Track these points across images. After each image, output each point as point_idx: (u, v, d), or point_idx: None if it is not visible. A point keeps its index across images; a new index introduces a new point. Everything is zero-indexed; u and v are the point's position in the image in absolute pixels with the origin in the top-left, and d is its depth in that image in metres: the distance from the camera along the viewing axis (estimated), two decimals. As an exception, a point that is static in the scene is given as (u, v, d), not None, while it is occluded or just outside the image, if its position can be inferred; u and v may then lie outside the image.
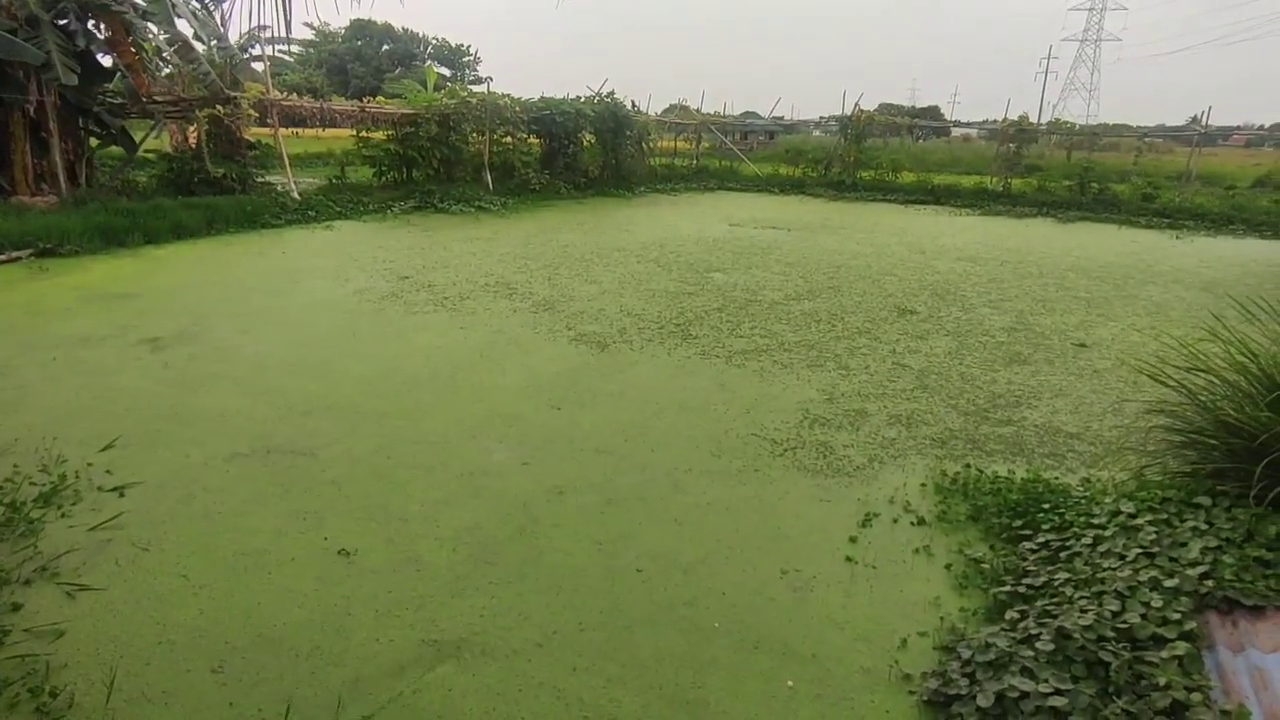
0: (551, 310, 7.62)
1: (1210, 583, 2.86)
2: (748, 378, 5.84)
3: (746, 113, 34.74)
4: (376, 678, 2.55)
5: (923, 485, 4.18)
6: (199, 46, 13.69)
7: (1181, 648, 2.48)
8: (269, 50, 16.86)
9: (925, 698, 2.58)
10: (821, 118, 27.98)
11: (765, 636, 2.88)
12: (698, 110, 26.76)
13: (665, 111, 26.46)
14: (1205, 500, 3.45)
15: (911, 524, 3.76)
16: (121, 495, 3.68)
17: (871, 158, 23.75)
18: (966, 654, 2.69)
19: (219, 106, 12.98)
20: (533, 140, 19.33)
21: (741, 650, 2.80)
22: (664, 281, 9.23)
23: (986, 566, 3.35)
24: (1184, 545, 3.12)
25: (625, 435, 4.67)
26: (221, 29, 14.39)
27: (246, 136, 14.13)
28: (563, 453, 4.39)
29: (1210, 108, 21.84)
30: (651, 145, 23.12)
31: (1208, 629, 2.69)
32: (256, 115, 13.97)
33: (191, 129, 13.51)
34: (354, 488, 3.86)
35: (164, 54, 14.07)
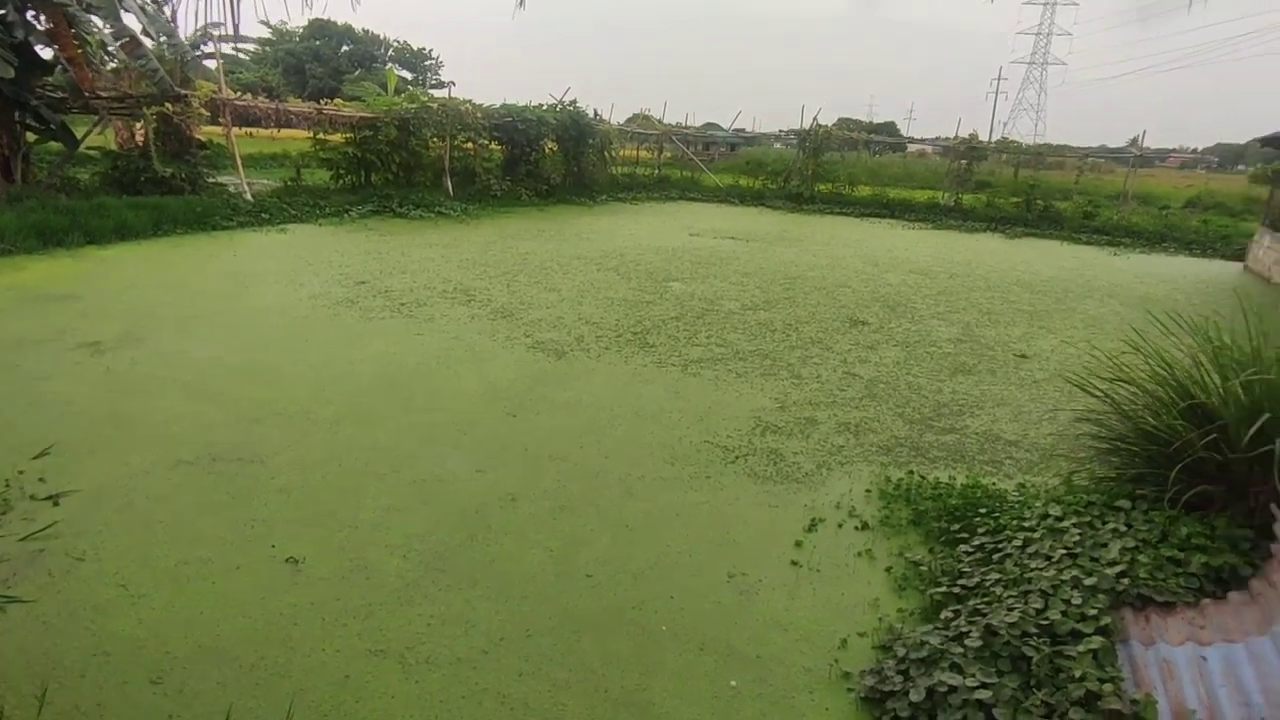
0: (509, 318, 7.62)
1: (1126, 581, 3.04)
2: (702, 386, 5.94)
3: (708, 124, 35.15)
4: (321, 688, 2.55)
5: (868, 491, 4.32)
6: (147, 42, 13.30)
7: (1097, 642, 2.63)
8: (222, 48, 16.50)
9: (862, 695, 2.68)
10: (781, 131, 28.55)
11: (711, 639, 2.95)
12: (660, 120, 27.00)
13: (628, 121, 26.62)
14: (1125, 504, 3.66)
15: (855, 529, 3.89)
16: (56, 504, 3.58)
17: (829, 171, 24.26)
18: (902, 652, 2.81)
19: (168, 104, 12.65)
20: (494, 147, 19.26)
21: (687, 653, 2.87)
22: (623, 290, 9.31)
23: (925, 569, 3.49)
24: (1104, 546, 3.31)
25: (580, 442, 4.71)
26: (171, 25, 14.02)
27: (197, 136, 13.79)
28: (517, 460, 4.42)
29: (1145, 131, 22.96)
30: (614, 154, 23.25)
31: (1123, 624, 2.86)
32: (208, 114, 13.64)
33: (139, 126, 13.13)
34: (303, 495, 3.83)
35: (109, 48, 13.64)
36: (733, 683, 2.72)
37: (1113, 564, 3.15)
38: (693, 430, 5.03)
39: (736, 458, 4.65)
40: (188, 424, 4.59)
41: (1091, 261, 15.16)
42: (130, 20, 12.56)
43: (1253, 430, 3.33)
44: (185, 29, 15.19)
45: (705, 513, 3.95)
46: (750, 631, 3.02)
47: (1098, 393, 4.39)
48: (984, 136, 25.36)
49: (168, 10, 13.78)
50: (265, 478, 3.98)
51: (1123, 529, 3.44)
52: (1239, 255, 16.63)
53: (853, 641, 2.98)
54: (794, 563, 3.53)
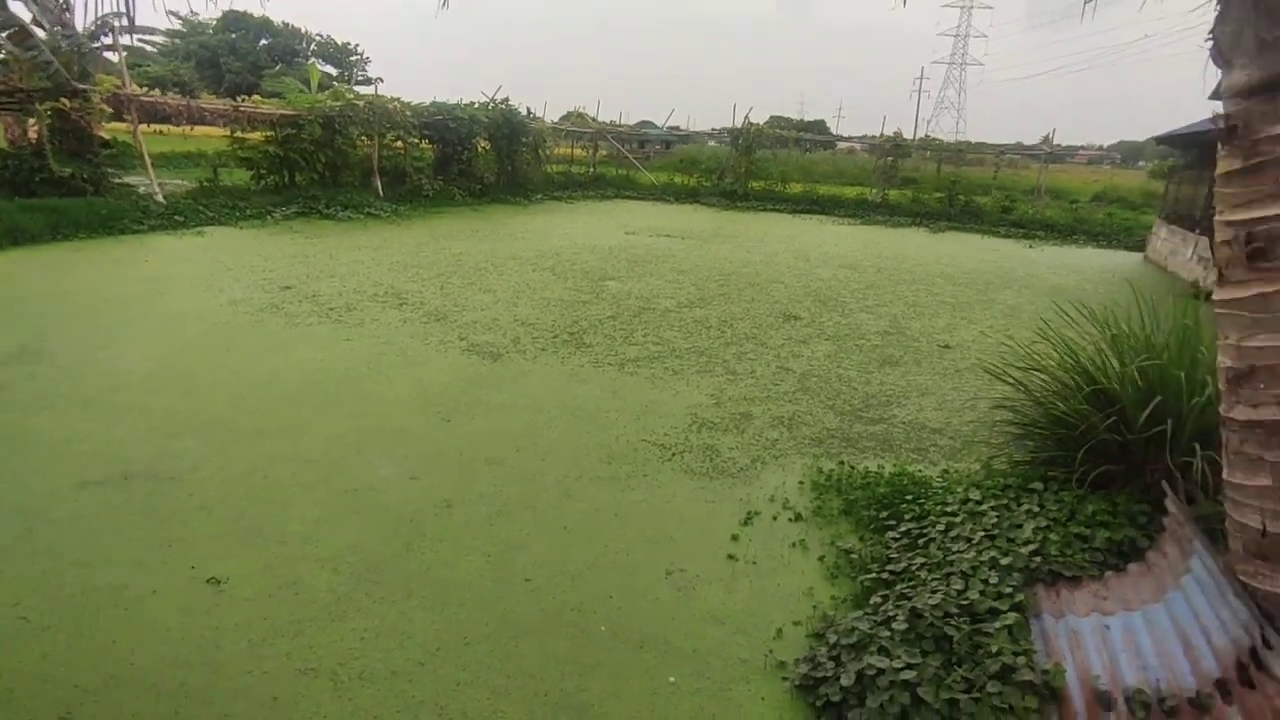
0: (443, 320, 7.49)
1: (1039, 559, 3.23)
2: (639, 384, 5.98)
3: (642, 122, 35.29)
4: (248, 712, 2.46)
5: (801, 483, 4.44)
6: (39, 32, 12.43)
7: (1011, 618, 2.78)
8: (126, 40, 15.57)
9: (796, 682, 2.76)
10: (715, 129, 28.87)
11: (649, 636, 2.99)
12: (594, 119, 26.95)
13: (562, 119, 26.45)
14: (1038, 485, 3.88)
15: (790, 520, 3.99)
16: (-51, 533, 3.33)
17: (762, 169, 24.75)
18: (834, 639, 2.90)
19: (64, 99, 11.86)
20: (425, 145, 18.84)
21: (626, 651, 2.89)
22: (559, 290, 9.27)
23: (856, 556, 3.61)
24: (1019, 527, 3.50)
25: (516, 445, 4.68)
26: (66, 14, 13.14)
27: (100, 133, 12.97)
28: (452, 465, 4.35)
29: (1055, 129, 24.33)
30: (548, 153, 23.09)
31: (1035, 599, 3.04)
32: (111, 110, 12.86)
33: (31, 122, 12.26)
34: (226, 511, 3.67)
35: (-2, 40, 12.69)
36: (671, 678, 2.76)
37: (1027, 543, 3.34)
38: (630, 429, 5.06)
39: (673, 455, 4.71)
40: (95, 442, 4.34)
41: (1009, 254, 15.93)
42: (18, 9, 11.71)
43: (1147, 412, 3.59)
44: (83, 19, 14.24)
45: (643, 511, 3.98)
46: (688, 627, 3.06)
47: (1012, 381, 4.64)
48: (908, 134, 26.37)
49: (63, -1, 12.93)
50: (183, 495, 3.80)
51: (1036, 509, 3.65)
52: (1140, 246, 17.79)
53: (788, 631, 3.07)
54: (730, 556, 3.60)
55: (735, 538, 3.77)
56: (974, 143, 29.88)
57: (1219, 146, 2.39)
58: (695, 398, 5.77)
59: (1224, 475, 2.57)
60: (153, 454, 4.22)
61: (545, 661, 2.80)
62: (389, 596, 3.11)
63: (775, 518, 4.01)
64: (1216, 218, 2.43)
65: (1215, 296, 2.46)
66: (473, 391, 5.57)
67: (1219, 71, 2.38)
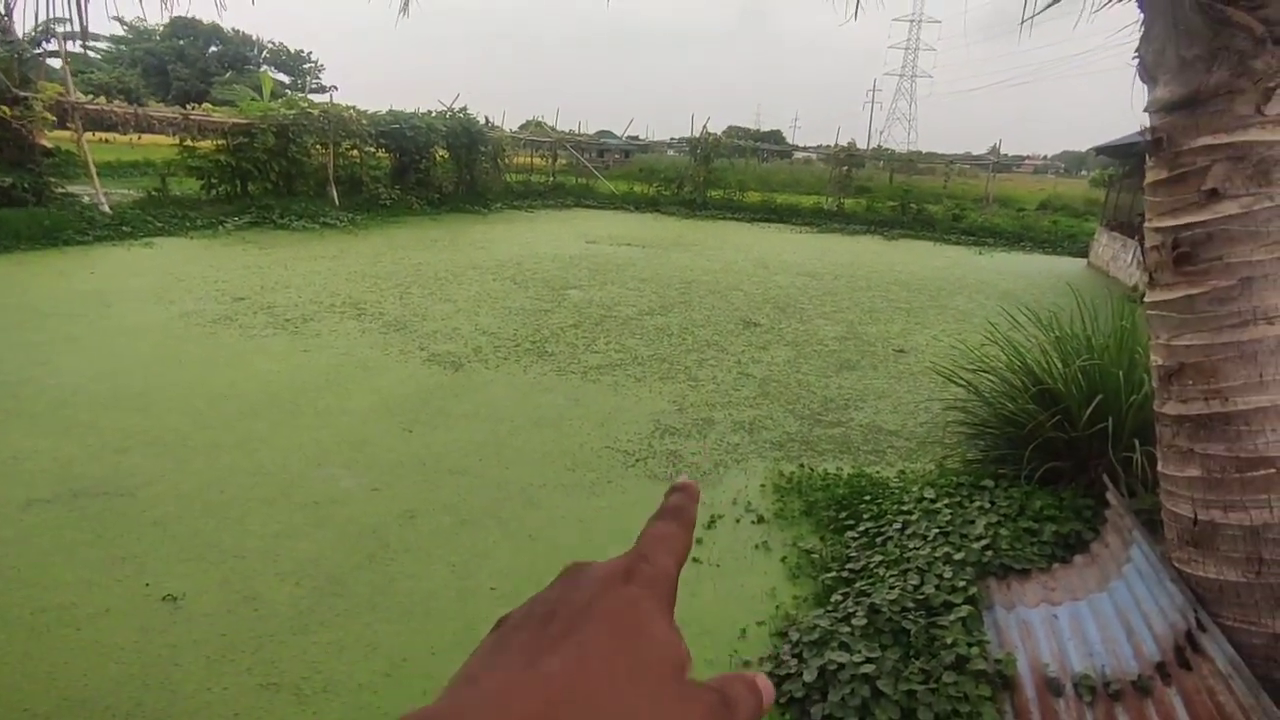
0: (403, 330, 7.41)
1: (990, 553, 3.35)
2: (602, 392, 6.01)
3: (602, 131, 35.47)
4: (208, 728, 2.41)
5: (762, 486, 4.52)
6: (-22, 38, 11.98)
7: (965, 610, 2.89)
8: (69, 46, 15.08)
9: (760, 680, 2.81)
10: (674, 139, 29.17)
11: (616, 640, 3.01)
12: (553, 128, 26.98)
13: (521, 128, 26.42)
14: (989, 483, 4.02)
15: (752, 522, 4.06)
16: (-117, 557, 3.19)
17: (720, 178, 25.07)
18: (796, 636, 2.97)
19: (4, 107, 11.43)
20: (382, 154, 18.61)
21: (594, 656, 2.91)
22: (520, 299, 9.25)
23: (816, 556, 3.70)
24: (972, 523, 3.63)
25: (479, 455, 4.66)
26: (5, 19, 12.68)
27: (42, 142, 12.51)
28: (414, 476, 4.32)
29: (1002, 139, 25.14)
30: (507, 161, 23.01)
31: (988, 592, 3.16)
32: (54, 118, 12.43)
33: (-31, 131, 11.78)
34: (181, 527, 3.59)
35: (-69, 44, 12.18)
36: (639, 681, 2.79)
37: (979, 539, 3.46)
38: (593, 436, 5.09)
39: (636, 461, 4.75)
40: (42, 459, 4.19)
41: (960, 260, 16.43)
42: (-45, 13, 11.27)
43: (1089, 410, 3.76)
44: (23, 25, 13.74)
45: (607, 517, 4.01)
46: (655, 630, 3.09)
47: (963, 382, 4.80)
48: (862, 144, 26.99)
49: (1, 4, 12.46)
50: (136, 512, 3.70)
51: (987, 506, 3.79)
52: (1083, 252, 18.52)
53: (751, 630, 3.12)
54: (694, 559, 3.65)
55: (699, 541, 3.82)
56: (925, 153, 30.80)
57: (1147, 158, 2.55)
58: (658, 404, 5.82)
59: (1159, 468, 2.71)
60: (104, 471, 4.10)
61: (513, 669, 2.80)
62: (352, 609, 3.08)
63: (738, 520, 4.08)
64: (1146, 224, 2.58)
65: (1146, 299, 2.61)
66: (434, 401, 5.54)
67: (1146, 87, 2.54)
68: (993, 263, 16.48)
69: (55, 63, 14.54)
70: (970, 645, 2.71)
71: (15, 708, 2.43)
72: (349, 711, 2.53)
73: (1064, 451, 3.94)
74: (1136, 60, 2.45)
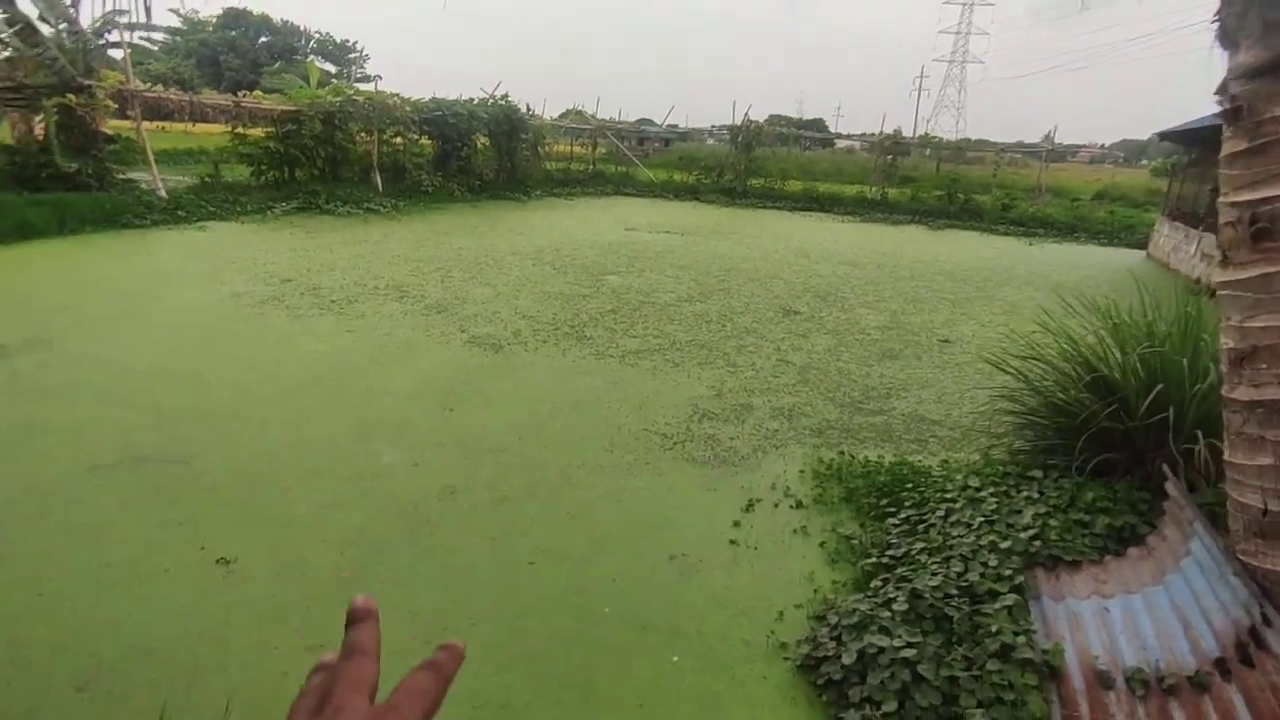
0: (444, 313, 7.52)
1: (1038, 543, 3.26)
2: (640, 376, 6.01)
3: (642, 119, 35.26)
4: (259, 684, 2.49)
5: (801, 472, 4.47)
6: (44, 29, 12.46)
7: (1011, 599, 2.82)
8: (129, 37, 15.59)
9: (799, 662, 2.80)
10: (714, 127, 28.90)
11: (653, 618, 3.02)
12: (594, 115, 26.97)
13: (561, 116, 26.47)
14: (1038, 473, 3.91)
15: (790, 507, 4.02)
16: (-40, 514, 3.37)
17: (761, 166, 24.77)
18: (834, 620, 2.94)
19: (70, 95, 11.88)
20: (425, 141, 18.85)
21: (630, 632, 2.92)
22: (559, 284, 9.30)
23: (856, 542, 3.65)
24: (1019, 512, 3.53)
25: (519, 434, 4.71)
26: (71, 11, 13.15)
27: (104, 129, 12.98)
28: (455, 453, 4.38)
29: (1057, 126, 24.31)
30: (547, 149, 23.10)
31: (1035, 582, 3.08)
32: (115, 106, 12.88)
33: (38, 119, 12.28)
34: (233, 495, 3.71)
35: (2, 36, 12.71)
36: (674, 659, 2.80)
37: (1026, 528, 3.37)
38: (631, 419, 5.09)
39: (675, 444, 4.74)
40: (105, 427, 4.37)
41: (1009, 251, 15.96)
42: (25, 5, 11.74)
43: (1149, 400, 3.62)
44: (88, 16, 14.27)
45: (645, 498, 4.02)
46: (691, 609, 3.10)
47: (1012, 371, 4.67)
48: (908, 133, 26.38)
49: (68, -4, 12.94)
50: (191, 478, 3.84)
51: (1035, 496, 3.68)
52: (1142, 243, 17.82)
53: (789, 613, 3.10)
54: (732, 542, 3.64)
55: (737, 524, 3.81)
56: (974, 140, 29.95)
57: (1224, 128, 2.42)
58: (696, 389, 5.80)
59: (1225, 456, 2.60)
60: (161, 440, 4.26)
61: (551, 641, 2.83)
62: (395, 578, 3.14)
63: (776, 505, 4.04)
64: (1221, 199, 2.45)
65: (1217, 279, 2.49)
66: (474, 382, 5.61)
67: (1224, 57, 2.41)
68: (1043, 254, 15.98)
69: (116, 53, 15.06)
70: (1016, 634, 2.64)
71: (84, 653, 2.55)
72: (391, 676, 2.56)
73: (1119, 443, 3.80)
74: (1216, 24, 2.33)
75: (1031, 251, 16.26)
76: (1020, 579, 2.99)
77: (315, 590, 3.01)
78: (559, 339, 6.88)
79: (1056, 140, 24.31)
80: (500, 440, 4.60)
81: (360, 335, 6.59)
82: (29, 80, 11.98)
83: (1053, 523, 3.40)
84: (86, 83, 12.16)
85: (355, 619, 0.43)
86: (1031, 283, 11.84)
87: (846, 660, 2.66)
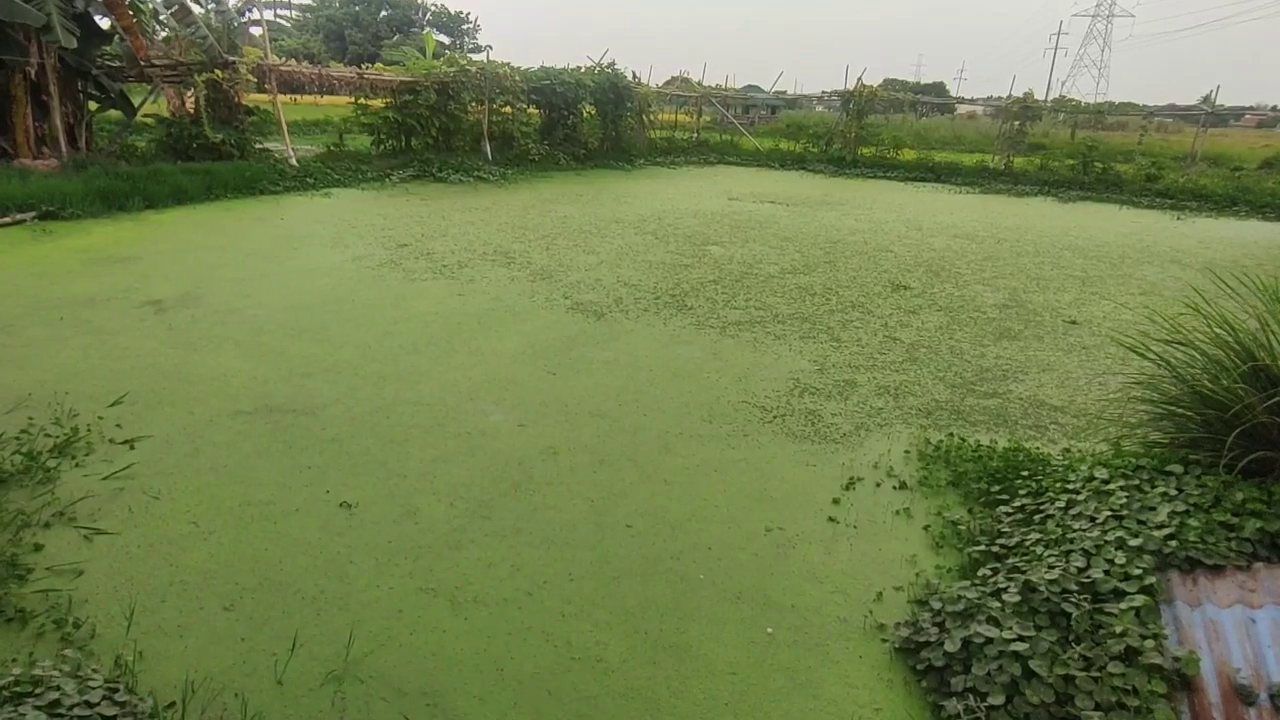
0: (549, 279, 7.69)
1: (1174, 544, 2.99)
2: (741, 348, 5.94)
3: (749, 86, 34.35)
4: (377, 620, 2.69)
5: (906, 452, 4.30)
6: (196, 9, 13.53)
7: (1140, 600, 2.61)
8: (267, 15, 16.66)
9: (897, 645, 2.72)
10: (824, 93, 27.75)
11: (747, 588, 3.02)
12: (699, 83, 26.50)
13: (666, 83, 26.19)
14: (1177, 468, 3.58)
15: (894, 488, 3.89)
16: (131, 448, 3.81)
17: (873, 134, 23.59)
18: (937, 605, 2.83)
19: (217, 71, 12.89)
20: (532, 111, 19.18)
21: (724, 600, 2.94)
22: (661, 253, 9.29)
23: (963, 528, 3.49)
24: (1152, 509, 3.25)
25: (619, 400, 4.78)
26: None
27: (244, 102, 14.03)
28: (557, 415, 4.51)
29: (1219, 87, 21.60)
30: (652, 118, 22.96)
31: (1168, 585, 2.83)
32: (254, 81, 13.86)
33: (189, 94, 13.41)
34: (354, 445, 3.99)
35: (160, 17, 13.91)
36: (769, 630, 2.79)
37: (1160, 527, 3.10)
38: (730, 390, 5.06)
39: (774, 417, 4.67)
40: (245, 378, 4.79)
41: (1152, 226, 14.53)
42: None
43: (1317, 393, 3.22)
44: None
45: (742, 469, 3.99)
46: (786, 582, 3.07)
47: (1153, 356, 4.27)
48: (1040, 96, 24.31)
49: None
50: (317, 428, 4.15)
51: (1173, 493, 3.37)
52: (1314, 219, 15.74)
53: (888, 595, 3.02)
54: (831, 519, 3.56)
55: (836, 501, 3.72)
56: (1118, 104, 27.21)
57: None
58: (797, 363, 5.68)
59: None
60: (291, 391, 4.63)
61: (646, 603, 2.89)
62: (499, 531, 3.29)
63: (879, 485, 3.92)
64: None
65: None
66: (577, 348, 5.72)
67: None
68: (1194, 229, 14.42)
69: (255, 30, 16.16)
70: (1144, 638, 2.45)
71: (229, 582, 2.85)
72: (495, 622, 2.72)
73: (1278, 439, 3.41)
74: None
75: (1179, 226, 14.72)
76: (1151, 580, 2.76)
77: (426, 538, 3.20)
78: (660, 308, 6.90)
79: (1217, 102, 21.71)
80: (601, 405, 4.69)
81: (469, 299, 6.87)
82: (183, 58, 13.08)
83: (1192, 522, 3.10)
84: (231, 59, 13.13)
85: None
86: (1177, 260, 10.75)
87: (950, 648, 2.56)
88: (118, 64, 13.02)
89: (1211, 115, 21.37)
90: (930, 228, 12.66)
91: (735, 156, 24.20)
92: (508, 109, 18.11)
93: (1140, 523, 3.18)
